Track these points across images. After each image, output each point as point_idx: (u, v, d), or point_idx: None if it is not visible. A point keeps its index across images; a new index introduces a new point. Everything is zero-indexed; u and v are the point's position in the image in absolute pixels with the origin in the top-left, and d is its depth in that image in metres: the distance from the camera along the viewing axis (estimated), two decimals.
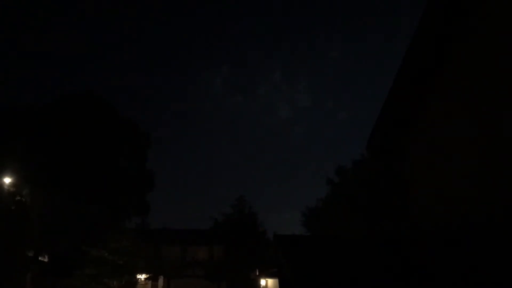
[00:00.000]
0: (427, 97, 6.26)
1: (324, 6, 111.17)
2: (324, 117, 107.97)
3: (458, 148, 5.49)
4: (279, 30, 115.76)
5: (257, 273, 40.69)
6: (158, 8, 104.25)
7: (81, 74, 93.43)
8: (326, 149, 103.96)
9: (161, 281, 40.05)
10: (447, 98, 5.84)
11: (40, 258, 30.45)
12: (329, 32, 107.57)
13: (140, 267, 31.37)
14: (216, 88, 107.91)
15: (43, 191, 28.01)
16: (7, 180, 26.56)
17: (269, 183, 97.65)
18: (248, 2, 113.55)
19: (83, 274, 26.32)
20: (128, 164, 33.72)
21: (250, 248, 40.43)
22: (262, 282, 37.58)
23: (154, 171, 35.41)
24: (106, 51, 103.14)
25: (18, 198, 27.42)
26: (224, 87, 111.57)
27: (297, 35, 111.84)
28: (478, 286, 4.19)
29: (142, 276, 35.91)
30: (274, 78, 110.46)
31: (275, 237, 5.52)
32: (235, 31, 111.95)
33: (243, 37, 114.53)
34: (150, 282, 39.09)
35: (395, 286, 3.95)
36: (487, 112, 4.94)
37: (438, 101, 6.05)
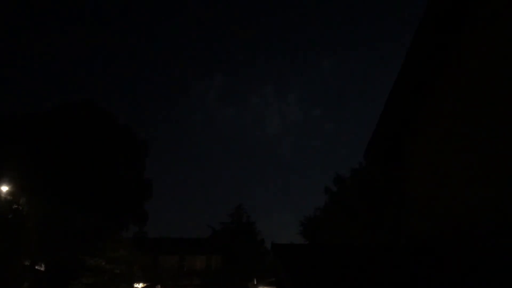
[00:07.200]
0: (426, 105, 6.29)
1: (315, 18, 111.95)
2: (320, 127, 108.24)
3: (457, 156, 5.50)
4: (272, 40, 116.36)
5: (255, 282, 40.46)
6: (152, 19, 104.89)
7: (78, 83, 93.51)
8: (324, 157, 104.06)
9: None
10: (446, 105, 5.87)
11: (36, 267, 30.23)
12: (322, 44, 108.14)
13: (137, 276, 31.23)
14: (211, 99, 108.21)
15: (41, 200, 27.89)
16: (4, 188, 26.45)
17: (266, 190, 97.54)
18: (240, 16, 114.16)
19: (80, 283, 26.21)
20: (126, 173, 33.63)
21: (248, 257, 40.27)
22: None
23: (152, 180, 35.33)
24: (99, 62, 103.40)
25: (15, 206, 27.26)
26: (218, 98, 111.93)
27: (291, 47, 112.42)
28: None
29: (139, 285, 35.67)
30: (266, 89, 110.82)
31: (272, 246, 5.47)
32: (230, 43, 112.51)
33: (236, 48, 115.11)
34: None
35: None
36: (487, 116, 4.97)
37: (437, 109, 6.08)
